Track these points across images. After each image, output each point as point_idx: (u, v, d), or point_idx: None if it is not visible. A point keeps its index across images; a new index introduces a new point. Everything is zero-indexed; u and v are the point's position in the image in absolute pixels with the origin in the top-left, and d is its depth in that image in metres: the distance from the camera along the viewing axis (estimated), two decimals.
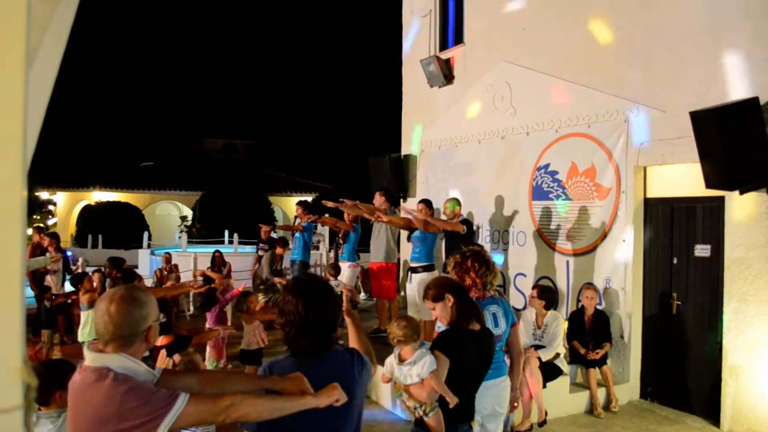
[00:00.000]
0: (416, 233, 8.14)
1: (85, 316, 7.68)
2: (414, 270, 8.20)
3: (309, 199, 27.41)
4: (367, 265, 10.06)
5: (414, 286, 8.02)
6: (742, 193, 5.93)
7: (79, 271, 10.61)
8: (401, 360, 3.61)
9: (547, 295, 6.88)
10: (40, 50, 1.05)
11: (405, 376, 3.56)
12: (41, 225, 15.32)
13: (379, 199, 9.00)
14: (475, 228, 9.79)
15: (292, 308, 2.58)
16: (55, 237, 10.84)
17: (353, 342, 2.95)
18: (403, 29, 12.37)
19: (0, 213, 0.97)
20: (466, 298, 3.70)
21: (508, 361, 4.34)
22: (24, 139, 0.97)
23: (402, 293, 10.11)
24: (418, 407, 3.52)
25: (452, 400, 3.44)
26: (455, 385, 3.49)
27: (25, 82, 0.94)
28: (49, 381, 3.06)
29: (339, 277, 9.25)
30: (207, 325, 7.82)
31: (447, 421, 3.55)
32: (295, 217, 11.34)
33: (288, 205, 32.06)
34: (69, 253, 12.28)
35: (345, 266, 9.52)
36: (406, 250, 9.40)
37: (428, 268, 8.00)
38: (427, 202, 8.40)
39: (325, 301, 2.65)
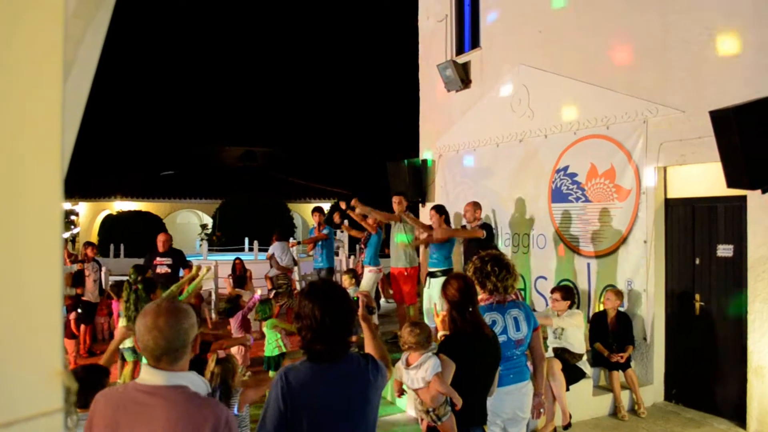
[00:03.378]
0: None
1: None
2: (433, 275, 8.24)
3: (327, 205, 27.51)
4: (388, 270, 10.07)
5: (433, 291, 8.06)
6: (764, 192, 5.86)
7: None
8: (408, 365, 3.64)
9: (570, 295, 6.88)
10: (74, 64, 1.09)
11: (412, 381, 3.58)
12: (65, 235, 15.52)
13: (397, 202, 9.03)
14: (494, 231, 9.80)
15: (308, 312, 2.60)
16: (95, 246, 11.23)
17: (368, 347, 2.97)
18: (420, 34, 12.40)
19: (42, 223, 1.01)
20: (463, 310, 3.65)
21: (530, 366, 4.32)
22: (62, 151, 1.01)
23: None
24: (431, 411, 3.54)
25: (458, 401, 3.46)
26: (463, 388, 3.51)
27: (63, 95, 0.98)
28: (90, 384, 3.16)
29: (362, 281, 9.27)
30: (231, 332, 7.88)
31: (457, 425, 3.56)
32: (318, 224, 11.37)
33: (307, 212, 32.14)
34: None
35: (366, 270, 9.53)
36: (426, 255, 9.39)
37: (447, 273, 8.01)
38: (437, 208, 8.45)
39: (340, 305, 2.67)
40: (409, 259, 9.00)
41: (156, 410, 2.11)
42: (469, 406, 3.54)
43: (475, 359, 3.60)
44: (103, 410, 2.20)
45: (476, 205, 8.35)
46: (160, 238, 10.18)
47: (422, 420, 3.66)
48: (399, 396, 3.97)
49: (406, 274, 9.04)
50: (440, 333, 3.86)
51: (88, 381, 3.16)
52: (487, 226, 8.09)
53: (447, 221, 8.47)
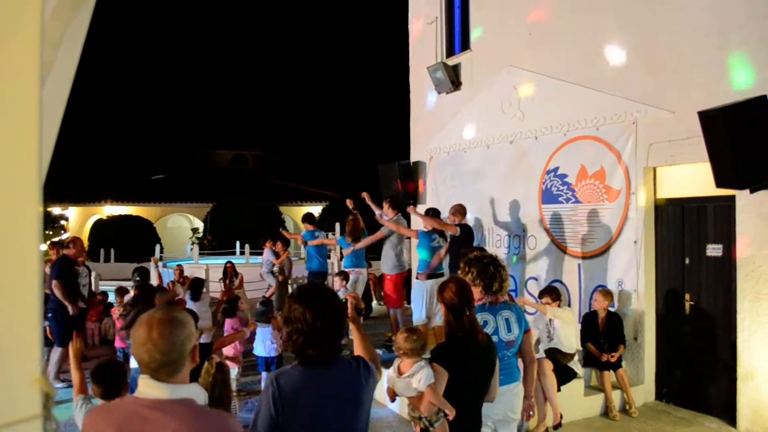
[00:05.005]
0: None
1: None
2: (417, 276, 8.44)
3: (319, 208, 27.49)
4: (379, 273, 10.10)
5: (414, 291, 8.46)
6: (752, 191, 5.90)
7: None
8: (400, 373, 3.60)
9: (559, 295, 6.90)
10: (53, 67, 1.08)
11: (404, 389, 3.55)
12: (55, 240, 15.43)
13: (386, 207, 9.08)
14: (485, 232, 9.81)
15: (299, 316, 2.57)
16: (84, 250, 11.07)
17: (358, 349, 2.95)
18: (410, 36, 12.40)
19: (18, 229, 0.99)
20: (459, 314, 3.59)
21: (521, 367, 4.31)
22: (39, 155, 0.99)
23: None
24: (423, 418, 3.51)
25: (450, 412, 3.42)
26: (457, 396, 3.48)
27: (40, 99, 0.97)
28: (122, 378, 3.39)
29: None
30: (225, 333, 7.87)
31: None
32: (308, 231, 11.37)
33: (298, 215, 32.11)
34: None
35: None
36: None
37: (426, 276, 8.18)
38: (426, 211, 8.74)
39: (331, 308, 2.65)
40: (394, 263, 9.03)
41: (164, 426, 1.98)
42: (463, 412, 3.50)
43: (468, 366, 3.56)
44: (102, 426, 2.04)
45: (457, 209, 8.37)
46: (80, 243, 9.29)
47: (415, 424, 3.64)
48: (392, 401, 3.92)
49: (389, 278, 9.09)
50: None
51: (121, 375, 3.46)
52: (464, 228, 8.13)
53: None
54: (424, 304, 8.18)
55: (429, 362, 3.56)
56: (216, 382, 4.15)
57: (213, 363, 4.28)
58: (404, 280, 9.40)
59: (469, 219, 9.95)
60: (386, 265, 9.13)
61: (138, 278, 7.87)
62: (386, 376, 3.72)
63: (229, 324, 7.94)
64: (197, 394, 2.14)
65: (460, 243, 7.84)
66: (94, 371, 3.74)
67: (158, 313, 2.14)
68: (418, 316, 8.24)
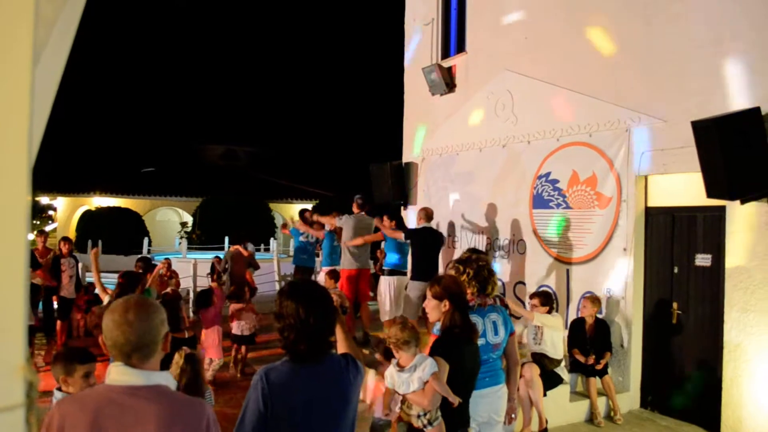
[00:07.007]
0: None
1: None
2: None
3: (309, 207, 27.40)
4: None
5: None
6: (743, 202, 5.92)
7: None
8: (400, 367, 3.59)
9: (549, 301, 6.89)
10: (46, 47, 1.05)
11: (407, 384, 3.54)
12: (43, 229, 15.33)
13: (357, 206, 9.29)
14: (475, 236, 9.81)
15: (291, 312, 2.56)
16: (71, 242, 11.07)
17: (343, 347, 2.94)
18: (406, 37, 12.38)
19: (4, 215, 0.96)
20: (463, 310, 3.66)
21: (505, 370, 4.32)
22: (29, 138, 0.97)
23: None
24: (421, 416, 3.50)
25: (455, 400, 3.44)
26: (453, 390, 3.50)
27: (32, 79, 0.94)
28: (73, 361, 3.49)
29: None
30: (203, 329, 7.87)
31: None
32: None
33: (288, 212, 32.06)
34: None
35: (322, 272, 9.61)
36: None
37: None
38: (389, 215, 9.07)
39: (323, 304, 2.66)
40: (349, 259, 9.01)
41: (143, 412, 1.97)
42: (456, 409, 3.53)
43: (463, 363, 3.59)
44: (78, 415, 1.97)
45: (419, 213, 8.74)
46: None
47: (412, 425, 3.59)
48: (387, 414, 3.87)
49: (346, 275, 9.19)
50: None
51: (72, 358, 3.52)
52: (422, 231, 8.39)
53: (399, 225, 8.74)
54: (389, 299, 8.53)
55: (429, 356, 3.56)
56: (183, 372, 4.14)
57: (182, 354, 4.27)
58: (364, 279, 9.32)
59: (459, 222, 9.98)
60: (344, 261, 9.17)
61: (143, 268, 8.11)
62: (385, 379, 3.71)
63: (206, 315, 7.98)
64: (170, 381, 2.16)
65: (421, 246, 8.23)
66: (59, 354, 3.73)
67: (133, 297, 2.20)
68: (388, 312, 8.47)
